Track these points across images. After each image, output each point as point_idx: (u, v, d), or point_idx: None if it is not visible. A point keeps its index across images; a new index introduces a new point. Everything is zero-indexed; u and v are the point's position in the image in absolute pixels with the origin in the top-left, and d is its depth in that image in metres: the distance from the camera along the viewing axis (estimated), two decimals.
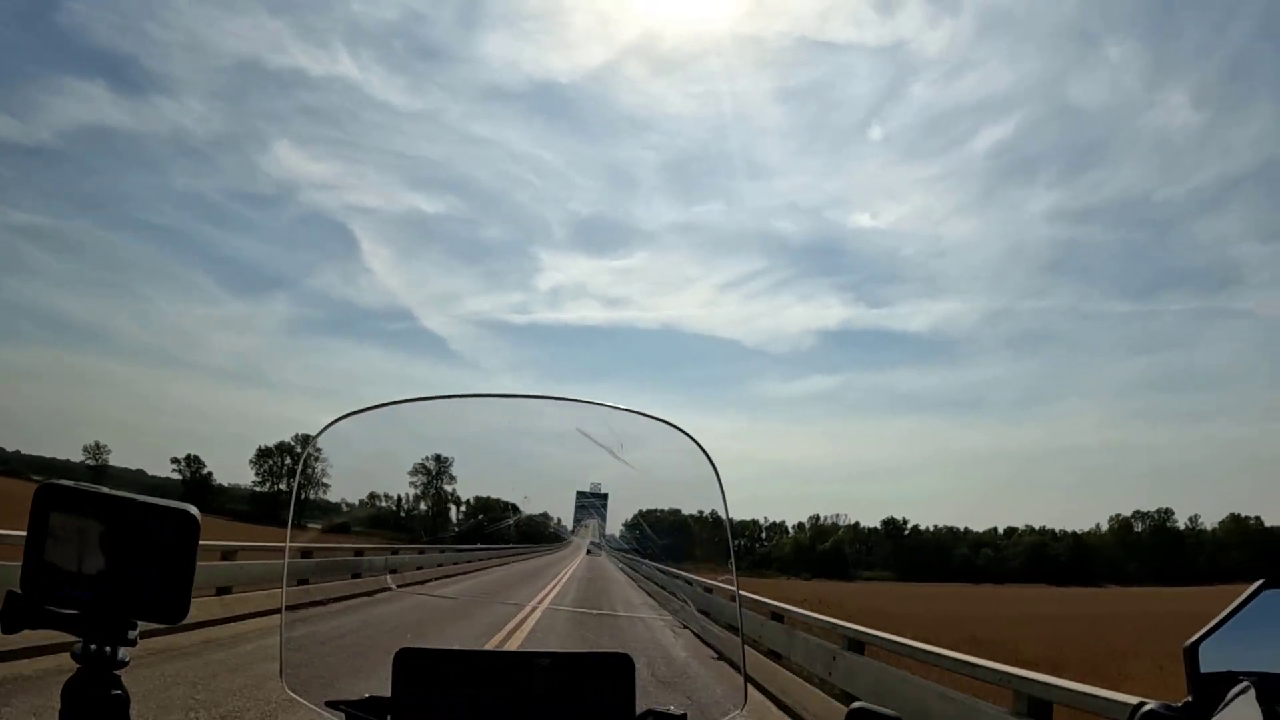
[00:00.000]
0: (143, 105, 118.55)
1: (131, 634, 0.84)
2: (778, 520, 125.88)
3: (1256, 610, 0.92)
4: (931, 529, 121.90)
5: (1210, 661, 0.90)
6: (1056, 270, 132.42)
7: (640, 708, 1.08)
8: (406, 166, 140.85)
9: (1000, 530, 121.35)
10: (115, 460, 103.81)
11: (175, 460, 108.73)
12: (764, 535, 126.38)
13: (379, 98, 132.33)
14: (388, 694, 1.01)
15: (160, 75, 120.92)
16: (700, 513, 1.39)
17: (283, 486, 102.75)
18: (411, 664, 1.00)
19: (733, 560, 1.31)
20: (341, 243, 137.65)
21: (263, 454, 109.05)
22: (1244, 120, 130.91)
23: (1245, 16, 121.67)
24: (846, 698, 7.57)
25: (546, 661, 1.03)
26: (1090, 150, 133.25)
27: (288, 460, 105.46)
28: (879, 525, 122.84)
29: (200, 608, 9.87)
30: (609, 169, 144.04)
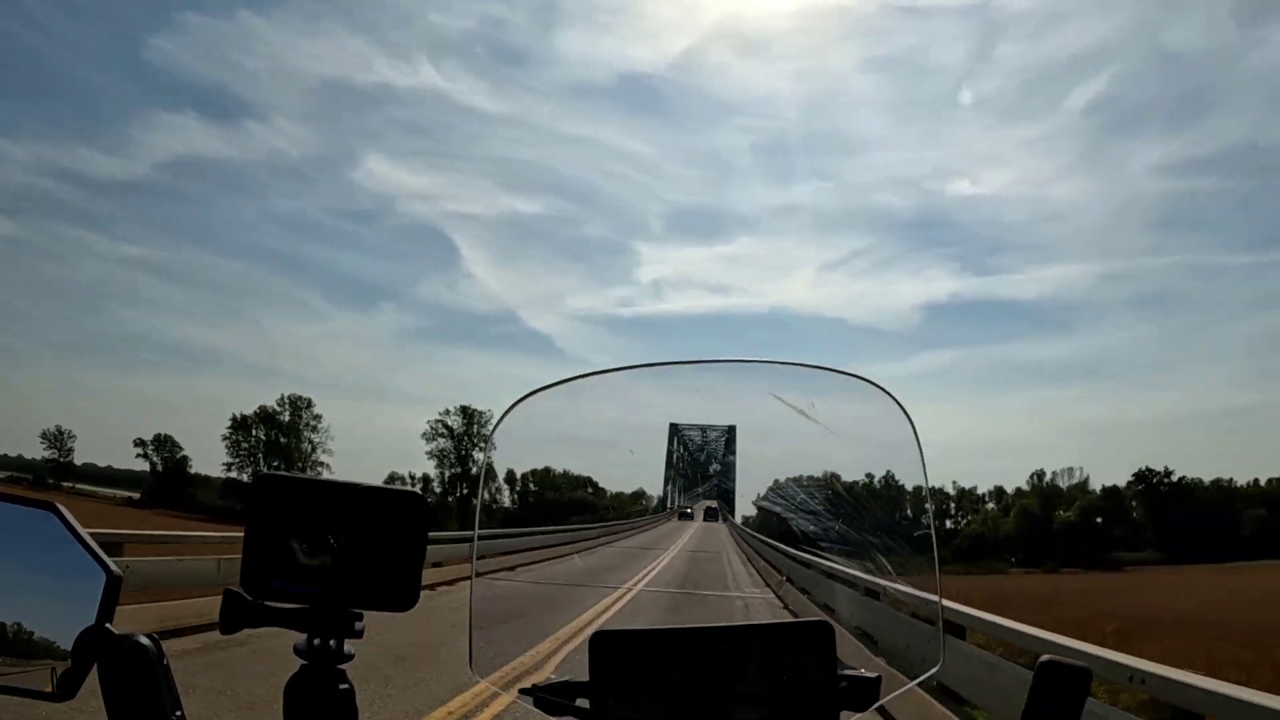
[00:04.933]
0: (235, 132, 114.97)
1: (359, 625, 0.81)
2: (968, 487, 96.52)
3: None
4: (1205, 482, 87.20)
5: None
6: (1169, 226, 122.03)
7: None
8: (501, 170, 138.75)
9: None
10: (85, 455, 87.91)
11: (139, 442, 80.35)
12: (954, 509, 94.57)
13: (467, 104, 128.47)
14: (578, 677, 0.98)
15: (249, 102, 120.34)
16: (889, 480, 1.24)
17: (262, 467, 69.38)
18: (609, 645, 0.97)
19: (934, 536, 1.19)
20: (443, 250, 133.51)
21: (238, 425, 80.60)
22: None
23: None
24: None
25: (746, 633, 1.01)
26: (1192, 98, 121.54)
27: (275, 434, 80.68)
28: (1126, 483, 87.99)
29: None
30: (704, 156, 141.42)
